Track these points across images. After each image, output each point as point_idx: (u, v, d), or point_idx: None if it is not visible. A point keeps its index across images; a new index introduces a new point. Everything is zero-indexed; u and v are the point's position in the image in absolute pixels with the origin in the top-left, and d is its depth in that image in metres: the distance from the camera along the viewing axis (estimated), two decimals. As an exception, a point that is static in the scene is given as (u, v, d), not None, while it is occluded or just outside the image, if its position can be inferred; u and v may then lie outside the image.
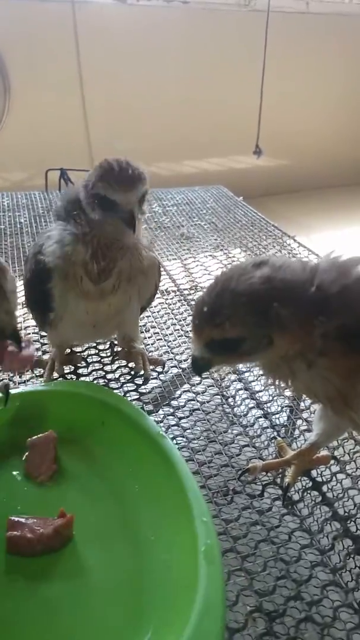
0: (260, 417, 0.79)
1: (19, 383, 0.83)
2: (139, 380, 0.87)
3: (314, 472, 0.70)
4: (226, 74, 3.29)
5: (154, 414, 0.80)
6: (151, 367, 0.89)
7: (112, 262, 0.76)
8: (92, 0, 2.96)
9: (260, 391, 0.84)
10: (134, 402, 0.78)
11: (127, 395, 0.84)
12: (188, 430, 0.77)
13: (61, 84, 3.04)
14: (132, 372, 0.89)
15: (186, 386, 0.86)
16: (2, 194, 1.57)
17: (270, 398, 0.83)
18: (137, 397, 0.84)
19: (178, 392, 0.85)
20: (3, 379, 0.83)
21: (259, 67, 3.13)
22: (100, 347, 0.95)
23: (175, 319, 1.05)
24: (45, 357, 0.89)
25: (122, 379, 0.88)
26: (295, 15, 3.30)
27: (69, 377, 0.86)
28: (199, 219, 1.53)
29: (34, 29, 2.88)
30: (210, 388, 0.86)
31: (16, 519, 0.57)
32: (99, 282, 0.76)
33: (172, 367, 0.91)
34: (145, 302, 0.87)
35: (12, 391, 0.72)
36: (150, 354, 0.93)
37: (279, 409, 0.81)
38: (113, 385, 0.86)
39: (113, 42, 3.02)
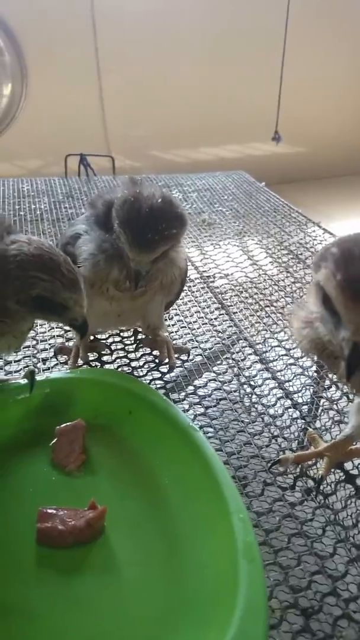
0: (290, 407, 0.77)
1: (44, 370, 0.81)
2: (164, 369, 0.86)
3: (347, 465, 0.68)
4: (245, 59, 3.23)
5: (179, 403, 0.78)
6: (176, 355, 0.88)
7: (145, 281, 0.74)
8: (109, -16, 2.91)
9: (289, 381, 0.82)
10: (159, 391, 0.76)
11: (152, 383, 0.82)
12: (215, 420, 0.75)
13: (78, 69, 3.01)
14: (157, 360, 0.87)
15: (211, 375, 0.84)
16: (21, 179, 1.56)
17: (299, 388, 0.81)
18: (162, 385, 0.82)
19: (203, 381, 0.83)
20: (28, 365, 0.82)
21: (279, 51, 3.06)
22: (124, 334, 0.94)
23: (199, 306, 1.03)
24: (69, 344, 0.87)
25: (146, 367, 0.86)
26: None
27: (93, 365, 0.85)
28: (220, 205, 1.50)
29: (51, 14, 2.84)
30: (236, 377, 0.84)
31: (47, 509, 0.55)
32: (128, 292, 0.74)
33: (196, 355, 0.89)
34: (172, 298, 0.85)
35: (38, 378, 0.71)
36: (174, 342, 0.91)
37: (309, 399, 0.79)
38: (137, 373, 0.84)
39: (130, 27, 2.97)
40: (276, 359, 0.87)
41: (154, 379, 0.83)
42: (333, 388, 0.82)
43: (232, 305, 1.02)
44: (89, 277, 0.72)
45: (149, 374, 0.85)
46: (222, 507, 0.55)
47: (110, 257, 0.72)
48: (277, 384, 0.81)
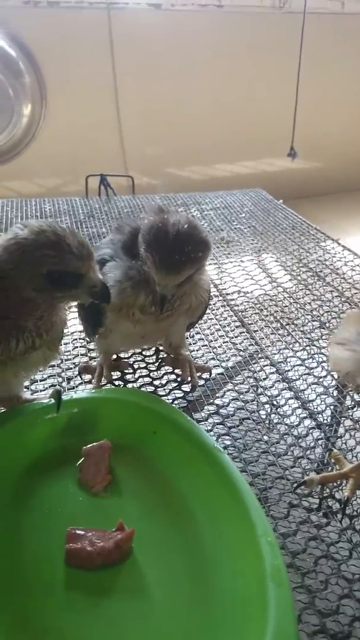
0: (313, 427, 0.77)
1: (68, 389, 0.83)
2: (186, 387, 0.86)
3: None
4: (261, 77, 3.27)
5: (202, 422, 0.78)
6: (197, 374, 0.88)
7: (171, 304, 0.75)
8: (127, 7, 2.99)
9: (312, 401, 0.82)
10: (182, 410, 0.77)
11: (175, 402, 0.83)
12: (238, 440, 0.75)
13: (96, 90, 3.07)
14: (179, 379, 0.88)
15: (233, 394, 0.85)
16: (43, 200, 1.59)
17: (322, 408, 0.81)
18: (184, 404, 0.83)
19: (225, 400, 0.84)
20: (53, 385, 0.84)
21: (294, 69, 3.09)
22: (146, 353, 0.95)
23: (220, 324, 1.04)
24: (93, 363, 0.88)
25: (168, 386, 0.87)
26: (331, 16, 3.25)
27: (116, 384, 0.86)
28: (238, 223, 1.51)
29: (70, 36, 2.92)
30: (259, 396, 0.84)
31: (76, 530, 0.56)
32: (153, 316, 0.76)
33: (218, 374, 0.90)
34: (195, 319, 0.86)
35: (64, 397, 0.72)
36: (195, 360, 0.92)
37: (332, 419, 0.79)
38: (160, 392, 0.85)
39: (148, 47, 3.04)
40: (298, 378, 0.87)
41: (176, 398, 0.84)
42: (356, 408, 0.82)
43: (252, 324, 1.03)
44: (116, 303, 0.73)
45: (171, 393, 0.85)
46: (250, 530, 0.55)
47: (137, 284, 0.73)
48: (300, 404, 0.81)
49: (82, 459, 0.66)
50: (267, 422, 0.79)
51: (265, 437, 0.76)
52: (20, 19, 2.85)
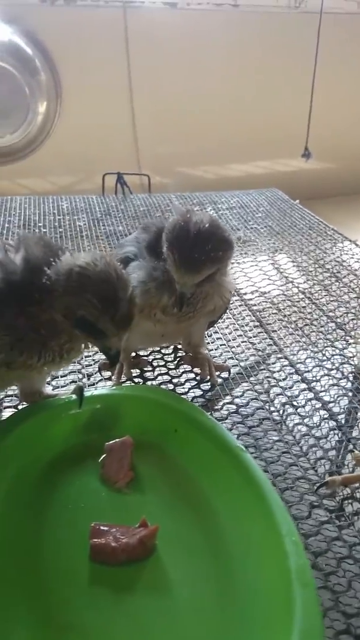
0: (334, 428, 0.77)
1: (88, 385, 0.83)
2: (205, 386, 0.86)
3: None
4: (276, 77, 3.26)
5: (222, 422, 0.78)
6: (217, 373, 0.88)
7: (194, 306, 0.75)
8: (143, 6, 2.99)
9: (332, 402, 0.82)
10: (201, 408, 0.77)
11: (194, 401, 0.83)
12: (259, 440, 0.75)
13: (111, 88, 3.08)
14: (198, 378, 0.88)
15: (253, 394, 0.85)
16: (60, 197, 1.60)
17: (342, 409, 0.81)
18: (204, 402, 0.83)
19: (245, 399, 0.84)
20: (75, 381, 0.84)
21: (310, 69, 3.08)
22: (164, 351, 0.95)
23: (237, 324, 1.04)
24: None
25: (187, 384, 0.87)
26: (348, 16, 3.23)
27: (136, 381, 0.86)
28: (255, 223, 1.51)
29: (86, 34, 2.93)
30: (278, 396, 0.84)
31: (100, 526, 0.56)
32: (174, 316, 0.76)
33: (237, 373, 0.90)
34: (216, 318, 0.86)
35: (86, 393, 0.72)
36: (214, 359, 0.92)
37: (353, 420, 0.78)
38: (179, 390, 0.85)
39: (163, 46, 3.04)
40: (318, 379, 0.87)
41: (195, 397, 0.84)
42: (377, 409, 0.81)
43: (270, 324, 1.02)
44: (139, 303, 0.73)
45: (190, 391, 0.86)
46: (274, 529, 0.55)
47: (161, 285, 0.73)
48: (320, 405, 0.81)
49: (104, 455, 0.67)
50: (287, 422, 0.79)
51: (286, 438, 0.76)
52: (37, 17, 2.86)
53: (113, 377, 0.85)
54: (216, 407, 0.81)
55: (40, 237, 0.61)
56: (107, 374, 0.87)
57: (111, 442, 0.67)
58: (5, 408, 0.77)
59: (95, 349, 0.89)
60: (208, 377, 0.87)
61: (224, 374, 0.89)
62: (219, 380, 0.87)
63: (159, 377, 0.88)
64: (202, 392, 0.85)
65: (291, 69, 3.23)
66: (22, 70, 2.86)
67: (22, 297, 0.58)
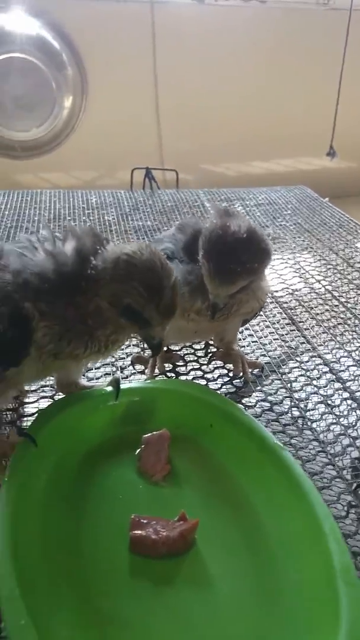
0: (370, 428, 0.76)
1: (122, 379, 0.83)
2: (238, 382, 0.86)
3: None
4: (302, 74, 3.22)
5: (258, 419, 0.78)
6: (249, 370, 0.88)
7: (229, 309, 0.74)
8: (170, 1, 2.98)
9: (368, 401, 0.81)
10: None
11: (227, 397, 0.82)
12: (294, 438, 0.75)
13: (136, 83, 3.08)
14: (230, 374, 0.88)
15: (286, 392, 0.84)
16: (89, 191, 1.60)
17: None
18: (237, 399, 0.82)
19: (279, 397, 0.83)
20: (109, 373, 0.84)
21: (337, 67, 3.04)
22: (196, 346, 0.95)
23: (269, 321, 1.03)
24: (146, 354, 0.89)
25: (220, 380, 0.87)
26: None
27: (169, 376, 0.86)
28: (283, 220, 1.49)
29: (113, 29, 2.93)
30: (312, 396, 0.83)
31: (140, 518, 0.56)
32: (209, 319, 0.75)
33: (270, 371, 0.89)
34: (250, 317, 0.86)
35: (122, 386, 0.72)
36: (246, 355, 0.91)
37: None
38: (212, 385, 0.85)
39: (189, 42, 3.03)
40: (353, 379, 0.86)
41: (228, 393, 0.84)
42: None
43: (302, 322, 1.02)
44: None
45: (223, 387, 0.85)
46: (316, 527, 0.54)
47: (195, 289, 0.72)
48: (356, 405, 0.80)
49: (141, 447, 0.67)
50: (321, 421, 0.78)
51: (321, 437, 0.75)
52: (64, 11, 2.87)
53: (146, 371, 0.85)
54: (249, 404, 0.81)
55: (90, 229, 0.61)
56: (140, 367, 0.87)
57: (148, 435, 0.67)
58: (41, 398, 0.77)
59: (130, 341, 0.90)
60: (241, 374, 0.86)
61: (256, 371, 0.88)
62: (252, 377, 0.87)
63: (192, 372, 0.88)
64: (235, 389, 0.84)
65: (318, 66, 3.19)
66: (49, 64, 2.87)
67: (72, 288, 0.58)
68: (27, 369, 0.61)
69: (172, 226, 0.90)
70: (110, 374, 0.85)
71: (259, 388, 0.84)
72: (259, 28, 3.13)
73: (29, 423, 0.72)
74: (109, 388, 0.72)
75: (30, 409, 0.76)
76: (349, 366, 0.89)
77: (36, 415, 0.68)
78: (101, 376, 0.85)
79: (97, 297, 0.58)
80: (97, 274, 0.58)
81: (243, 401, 0.81)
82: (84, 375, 0.81)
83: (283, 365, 0.90)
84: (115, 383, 0.72)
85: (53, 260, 0.58)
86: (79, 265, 0.58)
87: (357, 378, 0.85)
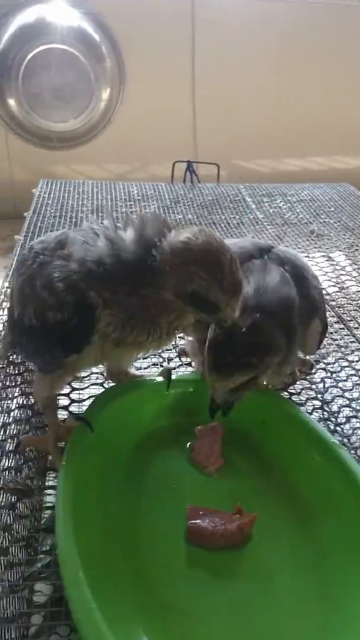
0: None
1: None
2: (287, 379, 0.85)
3: None
4: (341, 72, 3.17)
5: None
6: (298, 368, 0.86)
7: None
8: (212, -6, 2.96)
9: None
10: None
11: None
12: (347, 438, 0.73)
13: (174, 77, 3.07)
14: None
15: (337, 390, 0.82)
16: (131, 183, 1.60)
17: None
18: (288, 396, 0.81)
19: (329, 396, 0.82)
20: (156, 364, 0.84)
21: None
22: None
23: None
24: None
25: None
26: None
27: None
28: (327, 217, 1.47)
29: (152, 21, 2.92)
30: (364, 396, 0.81)
31: (197, 509, 0.56)
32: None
33: (319, 368, 0.87)
34: None
35: (173, 377, 0.72)
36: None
37: None
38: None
39: (229, 36, 3.00)
40: None
41: (277, 389, 0.82)
42: None
43: (351, 320, 1.00)
44: None
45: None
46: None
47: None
48: None
49: (195, 439, 0.66)
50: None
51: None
52: (105, 2, 2.87)
53: (194, 364, 0.85)
54: (300, 402, 0.79)
55: (155, 215, 0.60)
56: (187, 359, 0.86)
57: (201, 427, 0.67)
58: (91, 385, 0.78)
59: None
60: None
61: (306, 370, 0.87)
62: (302, 376, 0.85)
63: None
64: (284, 386, 0.83)
65: (358, 64, 3.14)
66: (88, 55, 2.88)
67: (135, 276, 0.57)
68: (87, 356, 0.61)
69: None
70: (158, 365, 0.85)
71: (308, 386, 0.83)
72: (300, 23, 3.09)
73: (81, 409, 0.73)
74: (160, 378, 0.72)
75: (82, 395, 0.76)
76: None
77: (91, 401, 0.68)
78: (148, 366, 0.85)
79: (162, 289, 0.57)
80: (158, 264, 0.57)
81: (293, 398, 0.80)
82: (133, 365, 0.81)
83: (333, 364, 0.88)
84: (167, 373, 0.71)
85: (113, 249, 0.57)
86: (141, 253, 0.57)
87: None
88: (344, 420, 0.76)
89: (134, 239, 0.58)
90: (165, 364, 0.85)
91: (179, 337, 0.92)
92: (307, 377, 0.85)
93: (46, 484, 0.65)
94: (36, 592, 0.53)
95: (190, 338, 0.77)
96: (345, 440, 0.73)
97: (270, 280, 0.67)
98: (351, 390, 0.82)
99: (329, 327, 0.97)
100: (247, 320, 0.62)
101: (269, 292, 0.66)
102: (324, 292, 1.09)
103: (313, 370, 0.87)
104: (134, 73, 3.02)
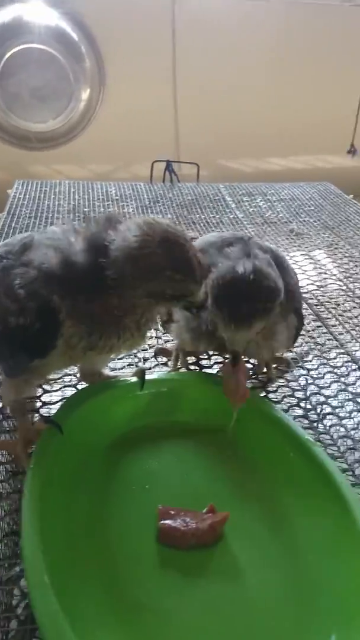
0: None
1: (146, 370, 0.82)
2: (262, 377, 0.84)
3: None
4: (323, 71, 3.19)
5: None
6: (275, 365, 0.86)
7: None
8: (192, -6, 2.96)
9: None
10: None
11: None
12: (322, 435, 0.73)
13: (155, 77, 3.06)
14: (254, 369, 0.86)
15: (314, 388, 0.82)
16: (109, 183, 1.59)
17: None
18: (263, 395, 0.81)
19: (307, 393, 0.81)
20: (131, 364, 0.83)
21: (358, 63, 3.00)
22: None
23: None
24: (169, 346, 0.87)
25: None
26: None
27: (192, 368, 0.85)
28: (307, 216, 1.47)
29: (132, 21, 2.91)
30: (341, 393, 0.81)
31: (168, 509, 0.55)
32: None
33: (297, 366, 0.87)
34: None
35: (147, 377, 0.71)
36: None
37: None
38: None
39: (209, 36, 3.00)
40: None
41: (254, 387, 0.82)
42: None
43: (329, 318, 1.00)
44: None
45: (248, 381, 0.83)
46: (350, 525, 0.53)
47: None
48: (386, 402, 0.78)
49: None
50: (351, 418, 0.76)
51: (351, 433, 0.73)
52: (84, 2, 2.85)
53: (169, 363, 0.84)
54: (276, 400, 0.79)
55: (103, 216, 0.58)
56: (163, 359, 0.86)
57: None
58: (65, 387, 0.76)
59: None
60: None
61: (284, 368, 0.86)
62: (279, 374, 0.85)
63: (215, 366, 0.86)
64: (261, 384, 0.83)
65: (340, 63, 3.16)
66: (67, 55, 2.86)
67: (91, 282, 0.55)
68: (53, 361, 0.59)
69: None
70: (132, 365, 0.84)
71: (285, 384, 0.83)
72: (282, 23, 3.10)
73: (53, 411, 0.71)
74: (134, 378, 0.71)
75: (54, 397, 0.75)
76: (377, 364, 0.87)
77: (62, 403, 0.67)
78: (123, 367, 0.84)
79: (129, 293, 0.55)
80: (117, 268, 0.54)
81: (269, 396, 0.80)
82: (107, 366, 0.80)
83: (310, 362, 0.88)
84: (141, 373, 0.70)
85: (64, 255, 0.56)
86: (91, 260, 0.54)
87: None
88: (321, 417, 0.76)
89: (83, 244, 0.56)
90: (140, 364, 0.84)
91: (154, 337, 0.91)
92: (285, 376, 0.85)
93: (19, 487, 0.64)
94: (15, 596, 0.53)
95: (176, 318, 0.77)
96: (322, 436, 0.72)
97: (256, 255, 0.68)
98: (328, 387, 0.82)
99: (307, 324, 0.97)
100: (249, 266, 0.63)
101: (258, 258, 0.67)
102: (303, 290, 1.10)
103: (291, 369, 0.86)
104: (114, 73, 3.00)
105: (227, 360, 0.69)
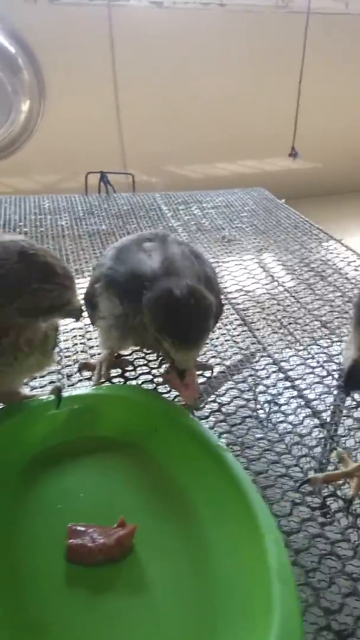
0: (317, 426, 0.76)
1: (68, 385, 0.82)
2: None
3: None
4: (263, 77, 3.27)
5: (204, 420, 0.78)
6: (199, 372, 0.87)
7: None
8: (128, 4, 2.98)
9: (316, 399, 0.81)
10: (183, 407, 0.76)
11: (177, 399, 0.82)
12: (241, 438, 0.75)
13: (96, 87, 3.07)
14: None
15: (235, 392, 0.84)
16: (42, 197, 1.58)
17: (326, 407, 0.80)
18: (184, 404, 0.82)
19: (227, 398, 0.83)
20: (53, 381, 0.83)
21: (297, 69, 3.09)
22: (146, 350, 0.94)
23: (221, 322, 1.03)
24: (93, 360, 0.88)
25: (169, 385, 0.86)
26: (334, 16, 3.25)
27: (116, 381, 0.85)
28: (240, 222, 1.50)
29: (71, 32, 2.91)
30: (260, 395, 0.83)
31: (77, 527, 0.55)
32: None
33: (220, 372, 0.89)
34: None
35: (64, 394, 0.71)
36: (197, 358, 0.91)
37: (336, 418, 0.78)
38: (161, 389, 0.84)
39: (148, 45, 3.03)
40: (301, 377, 0.86)
41: (178, 396, 0.83)
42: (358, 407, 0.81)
43: (254, 322, 1.02)
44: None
45: (173, 390, 0.85)
46: (254, 527, 0.54)
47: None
48: (303, 403, 0.80)
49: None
50: (269, 420, 0.78)
51: (268, 435, 0.75)
52: (20, 15, 2.84)
53: (93, 377, 0.84)
54: (198, 406, 0.80)
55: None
56: (87, 374, 0.86)
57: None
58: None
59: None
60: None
61: (207, 373, 0.88)
62: (202, 379, 0.86)
63: (141, 377, 0.87)
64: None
65: (278, 68, 3.25)
66: (4, 69, 2.83)
67: None
68: None
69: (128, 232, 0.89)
70: (55, 382, 0.83)
71: (210, 394, 0.84)
72: (219, 31, 3.16)
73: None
74: (51, 396, 0.71)
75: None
76: (298, 365, 0.89)
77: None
78: (46, 384, 0.83)
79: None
80: None
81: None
82: (26, 384, 0.80)
83: (234, 366, 0.90)
84: (57, 391, 0.70)
85: None
86: None
87: (306, 376, 0.86)
88: (239, 421, 0.77)
89: None
90: (64, 380, 0.84)
91: (80, 351, 0.91)
92: (208, 382, 0.86)
93: None
94: None
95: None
96: (239, 440, 0.74)
97: (173, 251, 0.72)
98: (248, 390, 0.84)
99: (232, 329, 0.99)
100: (183, 286, 0.64)
101: (176, 261, 0.70)
102: (230, 295, 1.12)
103: (213, 373, 0.88)
104: (55, 85, 2.99)
105: (170, 372, 0.72)
